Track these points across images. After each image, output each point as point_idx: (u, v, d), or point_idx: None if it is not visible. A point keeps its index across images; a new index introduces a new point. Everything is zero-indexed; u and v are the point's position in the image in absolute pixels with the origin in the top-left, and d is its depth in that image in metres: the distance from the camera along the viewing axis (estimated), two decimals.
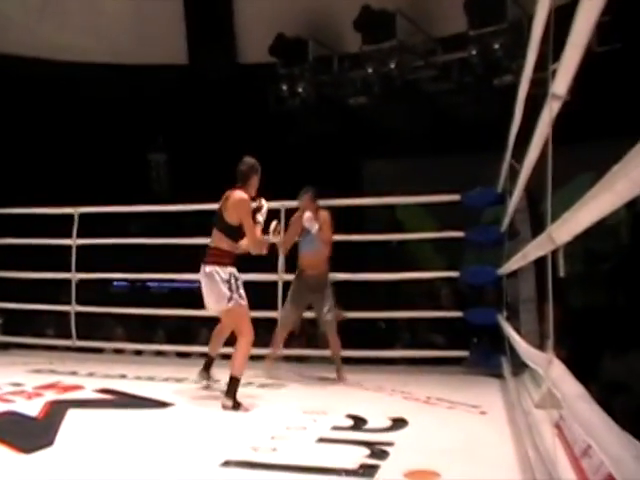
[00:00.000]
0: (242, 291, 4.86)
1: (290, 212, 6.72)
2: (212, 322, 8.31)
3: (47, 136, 10.16)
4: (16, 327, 8.21)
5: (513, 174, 4.81)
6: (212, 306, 4.93)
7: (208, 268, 4.83)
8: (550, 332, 2.31)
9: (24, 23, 10.29)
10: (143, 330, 8.12)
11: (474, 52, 8.35)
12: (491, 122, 8.28)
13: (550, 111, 2.28)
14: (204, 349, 7.63)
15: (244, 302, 4.84)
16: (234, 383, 4.59)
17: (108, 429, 3.80)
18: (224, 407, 4.46)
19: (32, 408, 4.25)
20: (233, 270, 4.88)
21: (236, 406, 4.45)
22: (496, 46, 8.12)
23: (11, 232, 7.51)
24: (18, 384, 5.19)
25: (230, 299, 4.76)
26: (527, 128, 3.35)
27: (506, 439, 3.56)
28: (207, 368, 5.42)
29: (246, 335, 4.82)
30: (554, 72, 2.16)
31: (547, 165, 2.23)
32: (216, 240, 4.95)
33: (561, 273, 2.22)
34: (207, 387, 5.29)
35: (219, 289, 4.78)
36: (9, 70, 9.86)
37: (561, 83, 2.18)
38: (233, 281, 4.82)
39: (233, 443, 3.43)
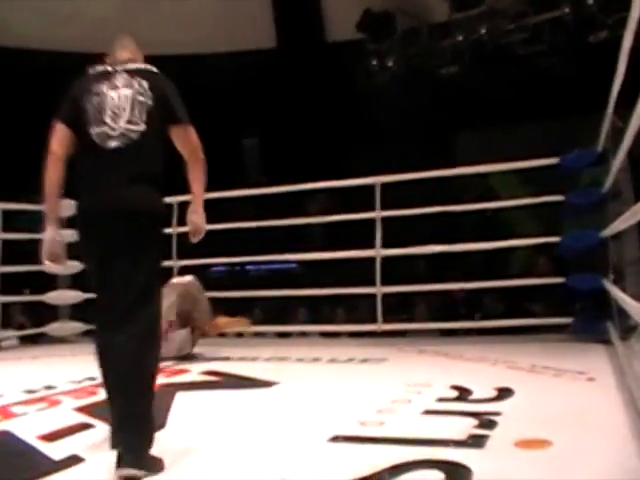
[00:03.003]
0: None
1: (386, 187, 6.71)
2: (310, 301, 8.43)
3: None
4: None
5: (615, 132, 4.64)
6: None
7: None
8: None
9: (118, 21, 10.58)
10: (242, 312, 8.26)
11: (567, 10, 8.10)
12: (588, 81, 8.03)
13: None
14: (303, 328, 7.77)
15: None
16: None
17: (216, 410, 3.89)
18: None
19: None
20: None
21: None
22: (590, 1, 7.85)
23: None
24: None
25: None
26: (632, 82, 3.22)
27: (617, 405, 3.45)
28: None
29: None
30: None
31: None
32: None
33: None
34: None
35: None
36: None
37: None
38: None
39: (340, 418, 3.44)
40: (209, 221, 3.56)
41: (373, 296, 6.77)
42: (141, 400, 2.75)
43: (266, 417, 3.66)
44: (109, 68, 3.05)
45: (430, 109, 10.22)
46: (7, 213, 7.56)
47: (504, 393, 3.85)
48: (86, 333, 8.10)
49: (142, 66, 3.11)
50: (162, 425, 3.43)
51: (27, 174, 9.63)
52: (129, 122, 2.88)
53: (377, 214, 6.74)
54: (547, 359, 4.93)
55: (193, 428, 3.44)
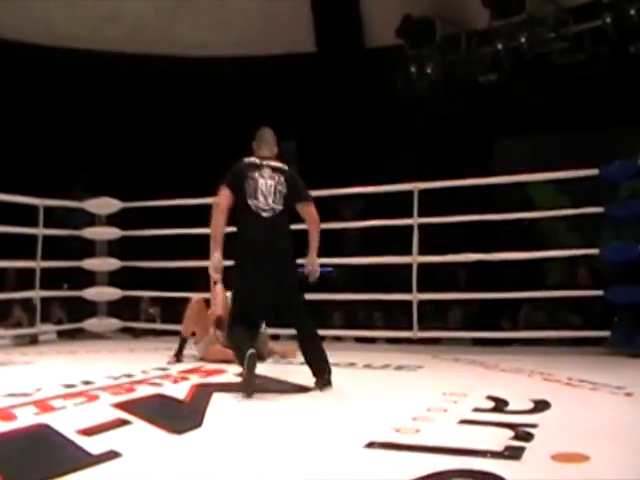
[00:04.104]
0: None
1: (423, 194, 6.69)
2: (346, 305, 8.42)
3: (183, 131, 10.50)
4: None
5: None
6: None
7: None
8: None
9: (158, 23, 10.68)
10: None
11: (608, 20, 8.01)
12: (628, 91, 7.93)
13: None
14: (337, 332, 7.76)
15: None
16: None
17: (252, 412, 3.90)
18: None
19: (179, 391, 4.43)
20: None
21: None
22: (632, 12, 7.76)
23: (162, 223, 7.86)
24: (164, 369, 5.44)
25: None
26: None
27: None
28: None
29: None
30: None
31: None
32: None
33: None
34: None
35: None
36: (146, 69, 10.28)
37: None
38: None
39: (375, 425, 3.44)
40: None
41: (409, 302, 6.78)
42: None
43: (301, 422, 3.68)
44: (257, 161, 4.65)
45: (468, 116, 10.16)
46: (48, 209, 7.68)
47: (541, 405, 3.84)
48: (123, 330, 8.23)
49: (279, 165, 4.69)
50: (198, 425, 3.47)
51: (70, 171, 9.78)
52: (274, 202, 4.53)
53: (414, 220, 6.74)
54: (584, 372, 4.90)
55: (228, 430, 3.47)
